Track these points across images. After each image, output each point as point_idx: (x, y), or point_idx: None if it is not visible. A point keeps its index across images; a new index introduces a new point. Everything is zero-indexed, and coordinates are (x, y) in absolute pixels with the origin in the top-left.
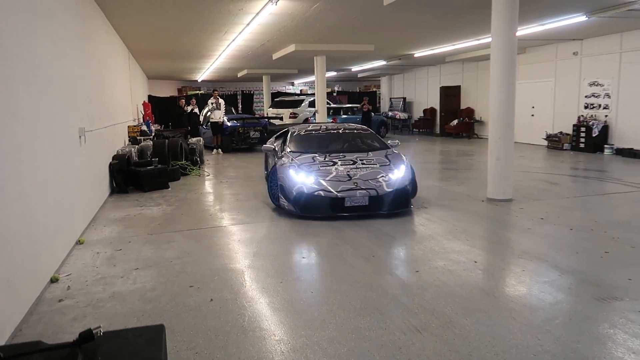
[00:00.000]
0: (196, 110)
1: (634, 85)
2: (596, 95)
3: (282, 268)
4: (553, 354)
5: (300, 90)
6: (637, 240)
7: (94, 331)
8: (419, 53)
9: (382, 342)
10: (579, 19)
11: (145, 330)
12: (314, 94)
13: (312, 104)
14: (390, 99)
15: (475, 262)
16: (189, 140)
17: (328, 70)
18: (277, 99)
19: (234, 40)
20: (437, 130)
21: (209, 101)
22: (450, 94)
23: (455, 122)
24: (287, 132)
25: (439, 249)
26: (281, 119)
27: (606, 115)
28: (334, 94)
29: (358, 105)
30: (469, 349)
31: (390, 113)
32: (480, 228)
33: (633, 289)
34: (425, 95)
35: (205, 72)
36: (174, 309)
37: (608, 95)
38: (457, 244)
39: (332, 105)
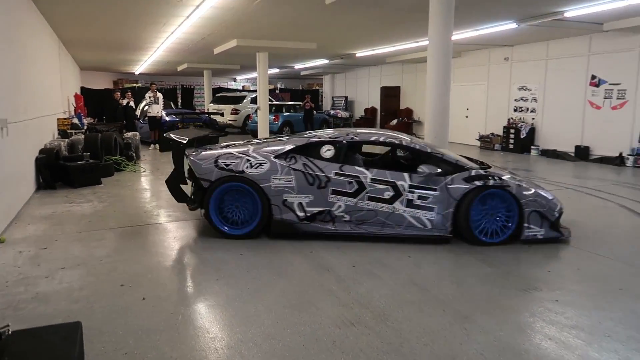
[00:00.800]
0: (132, 104)
1: (557, 91)
2: (524, 99)
3: (219, 265)
4: (478, 342)
5: (243, 87)
6: None
7: (0, 331)
8: (360, 53)
9: (317, 337)
10: (509, 26)
11: (60, 327)
12: (256, 91)
13: (254, 101)
14: (333, 97)
15: (409, 257)
16: (125, 134)
17: (271, 67)
18: (219, 95)
19: (173, 32)
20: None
21: (147, 95)
22: (390, 94)
23: (395, 121)
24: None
25: (375, 245)
26: (222, 114)
27: (533, 119)
28: (277, 91)
29: (300, 103)
30: (400, 340)
31: (332, 112)
32: None
33: (552, 281)
34: (366, 95)
35: (143, 64)
36: (103, 309)
37: (535, 100)
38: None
39: (275, 102)
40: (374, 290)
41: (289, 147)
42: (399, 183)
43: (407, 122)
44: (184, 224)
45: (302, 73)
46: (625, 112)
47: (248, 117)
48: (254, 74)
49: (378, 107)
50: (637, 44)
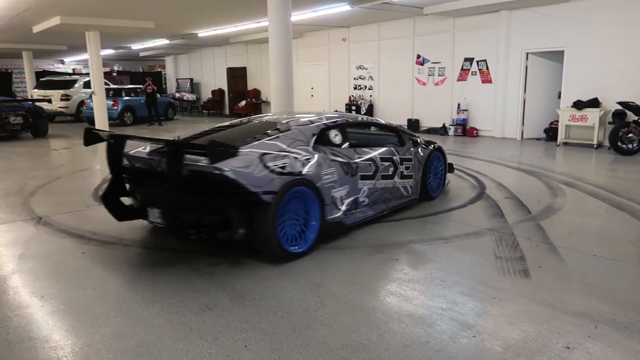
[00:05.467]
0: None
1: (389, 69)
2: (362, 77)
3: (57, 268)
4: (330, 306)
5: (73, 70)
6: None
7: None
8: (203, 33)
9: (173, 327)
10: (343, 8)
11: None
12: (89, 74)
13: (87, 85)
14: (177, 79)
15: None
16: None
17: (104, 47)
18: (44, 79)
19: None
20: (227, 111)
21: None
22: (236, 75)
23: (243, 103)
24: None
25: None
26: (50, 101)
27: (371, 95)
28: (114, 74)
29: (142, 86)
30: (259, 317)
31: (177, 94)
32: None
33: (395, 242)
34: (212, 77)
35: None
36: None
37: (372, 78)
38: None
39: (112, 86)
40: (231, 272)
41: (315, 135)
42: (394, 158)
43: (256, 102)
44: (9, 226)
45: (142, 54)
46: (445, 87)
47: (82, 103)
48: (85, 56)
49: (225, 88)
50: (452, 27)
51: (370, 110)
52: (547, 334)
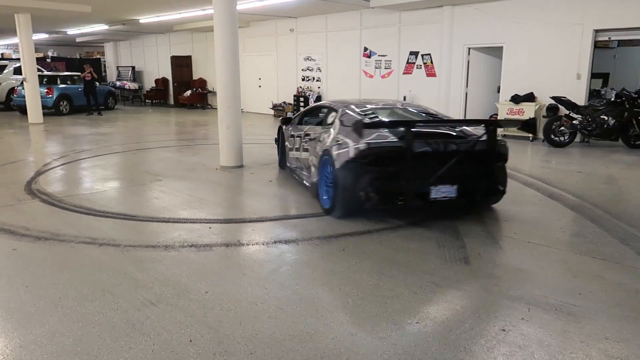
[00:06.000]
0: None
1: (337, 61)
2: (310, 69)
3: None
4: (277, 298)
5: (2, 54)
6: None
7: None
8: (144, 19)
9: (113, 324)
10: None
11: None
12: (19, 59)
13: (19, 71)
14: (118, 67)
15: (210, 227)
16: None
17: (37, 32)
18: None
19: None
20: (171, 100)
21: None
22: (181, 64)
23: (188, 92)
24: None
25: (175, 220)
26: None
27: (319, 87)
28: (48, 60)
29: (79, 73)
30: (204, 311)
31: (118, 83)
32: (214, 195)
33: (341, 233)
34: (156, 65)
35: None
36: None
37: (319, 69)
38: (192, 212)
39: (46, 72)
40: (175, 266)
41: None
42: None
43: (202, 92)
44: None
45: (78, 40)
46: (392, 80)
47: (12, 90)
48: (15, 40)
49: (170, 77)
50: (397, 20)
51: (319, 101)
52: (485, 318)
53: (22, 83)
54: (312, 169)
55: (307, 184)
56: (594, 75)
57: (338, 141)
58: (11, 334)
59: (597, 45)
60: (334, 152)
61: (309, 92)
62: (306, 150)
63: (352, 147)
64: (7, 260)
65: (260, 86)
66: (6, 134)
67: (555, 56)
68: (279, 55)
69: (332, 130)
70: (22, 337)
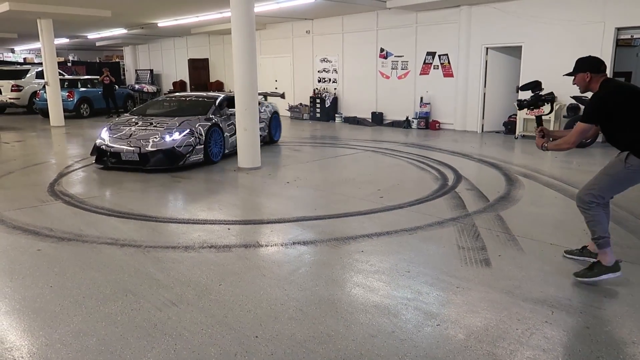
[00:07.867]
0: None
1: (353, 62)
2: (326, 70)
3: (11, 266)
4: (297, 299)
5: (25, 59)
6: (362, 193)
7: None
8: (163, 23)
9: (136, 324)
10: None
11: None
12: (42, 64)
13: (40, 75)
14: (136, 70)
15: (229, 229)
16: None
17: (58, 36)
18: None
19: None
20: None
21: None
22: (198, 67)
23: None
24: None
25: (194, 221)
26: None
27: (335, 88)
28: (69, 64)
29: (99, 77)
30: (224, 312)
31: (137, 86)
32: (232, 196)
33: (360, 234)
34: (173, 68)
35: None
36: None
37: (335, 71)
38: (211, 213)
39: (67, 76)
40: (195, 267)
41: None
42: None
43: None
44: None
45: (98, 44)
46: (408, 81)
47: (35, 94)
48: (37, 45)
49: (187, 80)
50: (414, 21)
51: (334, 104)
52: (507, 321)
53: (44, 87)
54: None
55: None
56: (616, 74)
57: None
58: (37, 333)
59: (619, 44)
60: None
61: (325, 93)
62: None
63: None
64: (32, 261)
65: (276, 88)
66: (29, 137)
67: (576, 55)
68: (295, 57)
69: None
70: (48, 336)
